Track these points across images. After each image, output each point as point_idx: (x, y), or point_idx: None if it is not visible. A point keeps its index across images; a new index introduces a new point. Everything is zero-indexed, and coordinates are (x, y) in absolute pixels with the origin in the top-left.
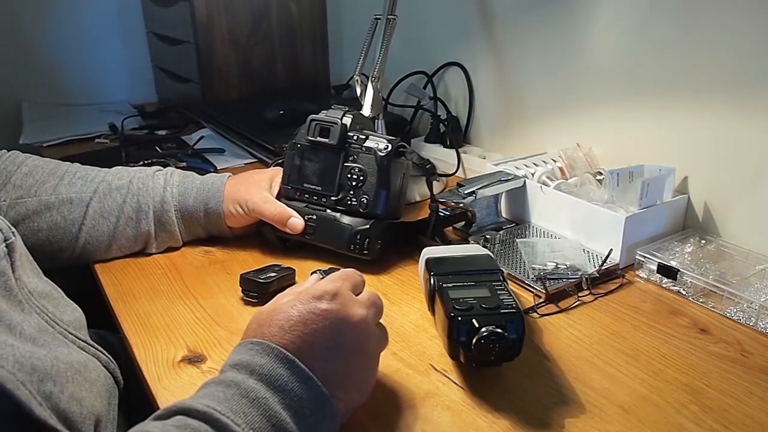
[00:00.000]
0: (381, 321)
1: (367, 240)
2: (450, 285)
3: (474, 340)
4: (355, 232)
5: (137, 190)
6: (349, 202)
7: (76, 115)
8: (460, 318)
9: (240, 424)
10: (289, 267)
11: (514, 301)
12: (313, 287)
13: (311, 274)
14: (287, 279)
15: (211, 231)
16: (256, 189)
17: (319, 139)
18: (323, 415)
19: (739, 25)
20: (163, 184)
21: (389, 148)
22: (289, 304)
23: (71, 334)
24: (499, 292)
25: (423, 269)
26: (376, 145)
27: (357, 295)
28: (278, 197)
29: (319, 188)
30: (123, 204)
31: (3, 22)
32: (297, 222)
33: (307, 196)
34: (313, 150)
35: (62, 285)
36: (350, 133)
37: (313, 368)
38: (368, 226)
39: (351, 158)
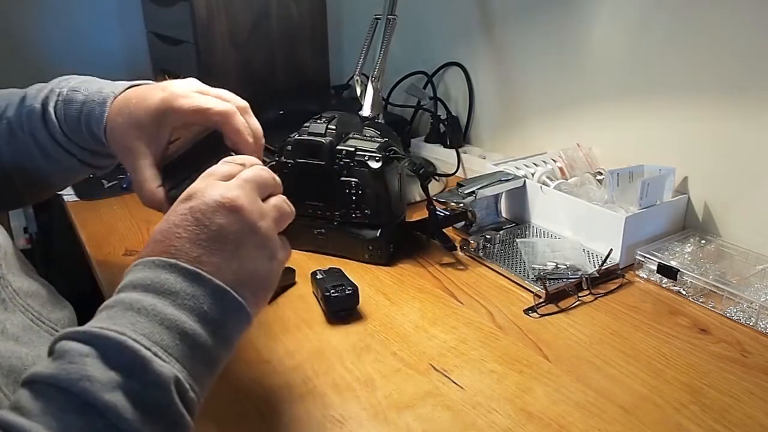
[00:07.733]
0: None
1: (380, 249)
2: None
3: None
4: (366, 242)
5: (31, 130)
6: (353, 215)
7: None
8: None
9: (126, 332)
10: (289, 267)
11: None
12: (210, 192)
13: (311, 274)
14: (287, 279)
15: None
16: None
17: (308, 160)
18: (228, 308)
19: (740, 25)
20: (47, 118)
21: (380, 162)
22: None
23: (57, 332)
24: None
25: None
26: (366, 158)
27: (264, 199)
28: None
29: (321, 204)
30: (31, 145)
31: (2, 22)
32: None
33: (311, 211)
34: (304, 170)
35: (60, 285)
36: (338, 147)
37: (201, 265)
38: (378, 235)
39: (344, 172)
